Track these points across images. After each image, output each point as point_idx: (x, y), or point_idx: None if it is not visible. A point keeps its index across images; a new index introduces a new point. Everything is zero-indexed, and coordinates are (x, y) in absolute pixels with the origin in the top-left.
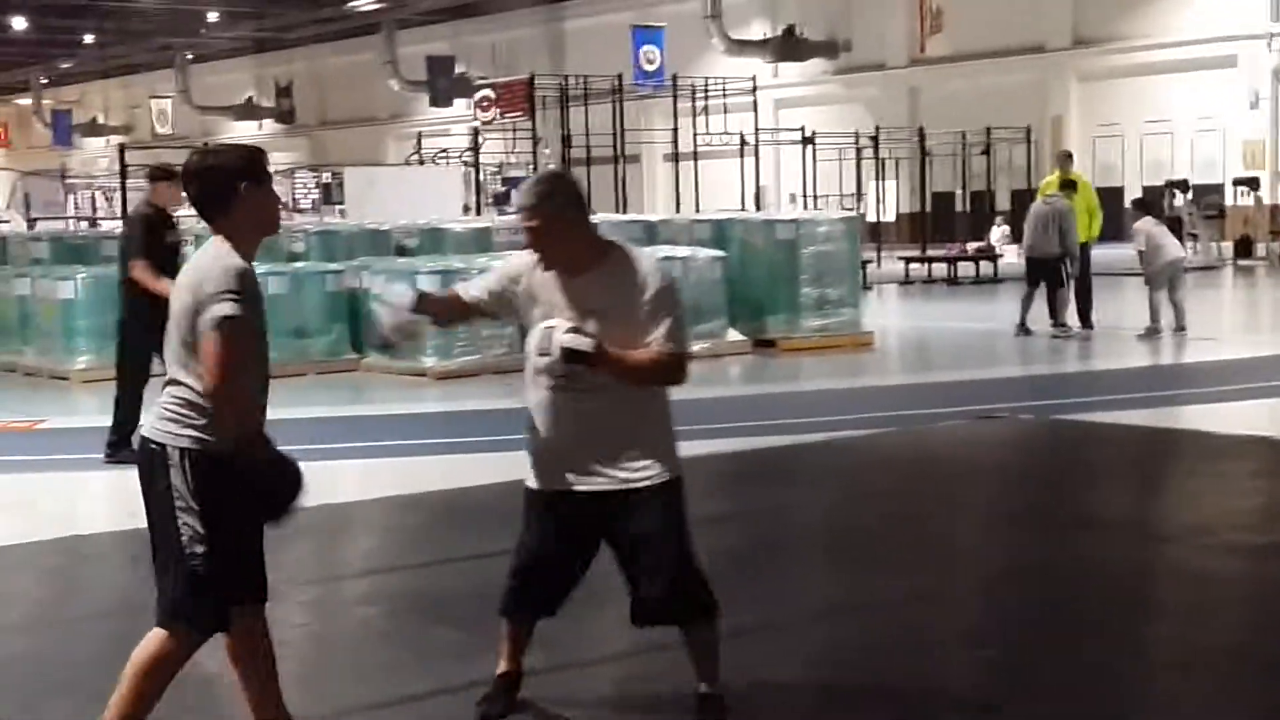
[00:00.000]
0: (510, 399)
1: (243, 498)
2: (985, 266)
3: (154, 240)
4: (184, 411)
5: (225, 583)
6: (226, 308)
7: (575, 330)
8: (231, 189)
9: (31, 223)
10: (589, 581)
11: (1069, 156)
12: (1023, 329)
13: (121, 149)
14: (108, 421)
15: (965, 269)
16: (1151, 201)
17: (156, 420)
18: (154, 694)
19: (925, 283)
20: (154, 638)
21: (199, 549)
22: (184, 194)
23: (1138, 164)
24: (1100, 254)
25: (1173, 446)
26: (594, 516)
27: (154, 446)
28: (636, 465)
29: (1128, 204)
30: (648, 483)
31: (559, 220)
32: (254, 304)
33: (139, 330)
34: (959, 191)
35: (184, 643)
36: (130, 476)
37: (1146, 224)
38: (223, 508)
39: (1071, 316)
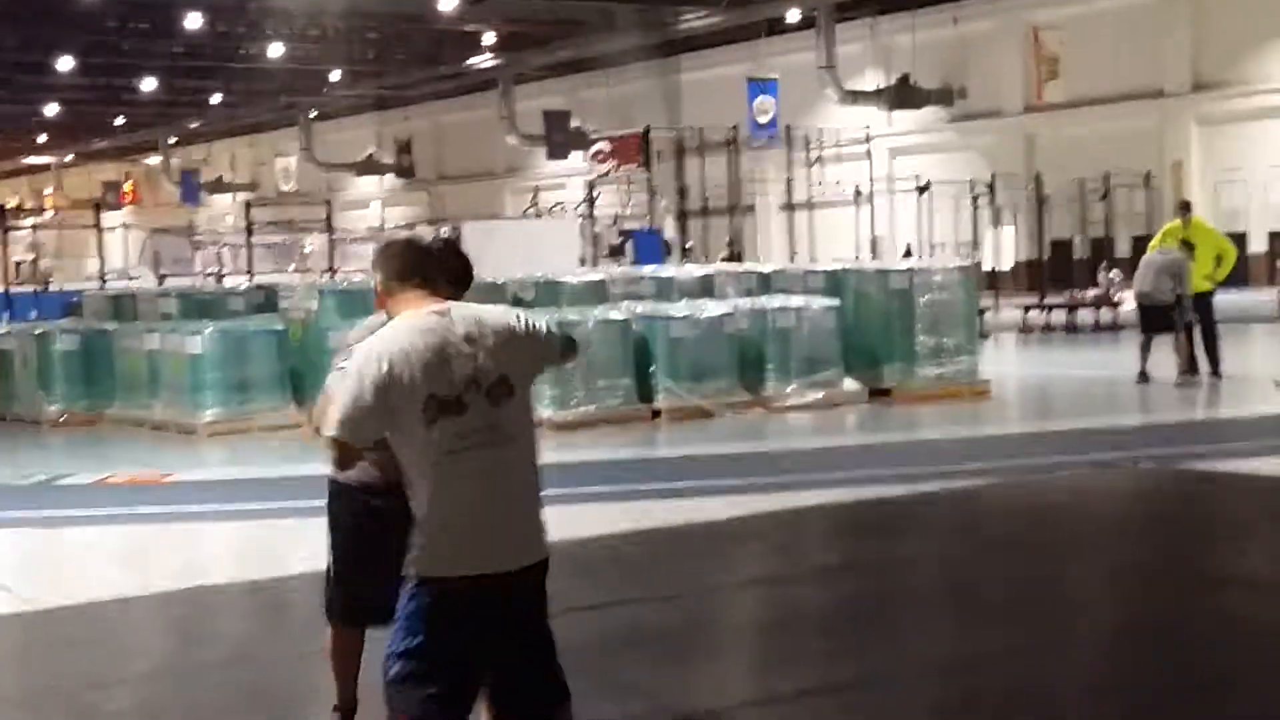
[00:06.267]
0: (621, 450)
1: (357, 525)
2: (1105, 314)
3: None
4: None
5: (345, 591)
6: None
7: None
8: None
9: (160, 279)
10: (696, 632)
11: (1187, 206)
12: (1143, 377)
13: (247, 206)
14: (234, 474)
15: (1084, 316)
16: None
17: None
18: (339, 674)
19: (1044, 330)
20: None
21: (330, 558)
22: None
23: (1263, 209)
24: (1222, 300)
25: None
26: None
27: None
28: None
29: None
30: None
31: None
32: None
33: None
34: (1077, 238)
35: (334, 631)
36: (252, 528)
37: None
38: (340, 530)
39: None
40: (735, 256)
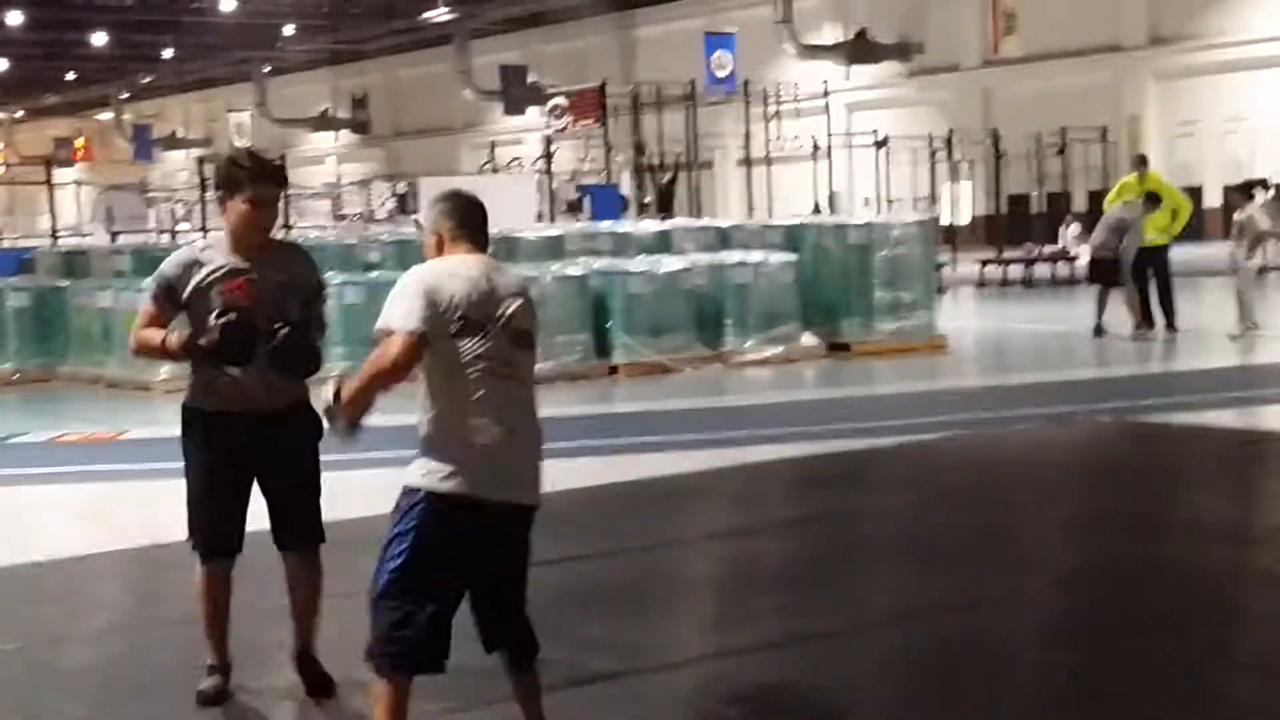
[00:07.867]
0: (582, 405)
1: (204, 450)
2: (1061, 268)
3: None
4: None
5: (202, 521)
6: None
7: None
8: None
9: (114, 235)
10: (654, 587)
11: (1144, 160)
12: (1099, 330)
13: (201, 162)
14: None
15: (1041, 271)
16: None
17: None
18: (209, 622)
19: (1001, 285)
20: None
21: (189, 488)
22: None
23: (1217, 163)
24: (1178, 254)
25: (1253, 448)
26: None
27: None
28: None
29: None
30: None
31: None
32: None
33: None
34: (1034, 193)
35: (200, 569)
36: None
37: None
38: (191, 460)
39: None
40: (668, 198)
